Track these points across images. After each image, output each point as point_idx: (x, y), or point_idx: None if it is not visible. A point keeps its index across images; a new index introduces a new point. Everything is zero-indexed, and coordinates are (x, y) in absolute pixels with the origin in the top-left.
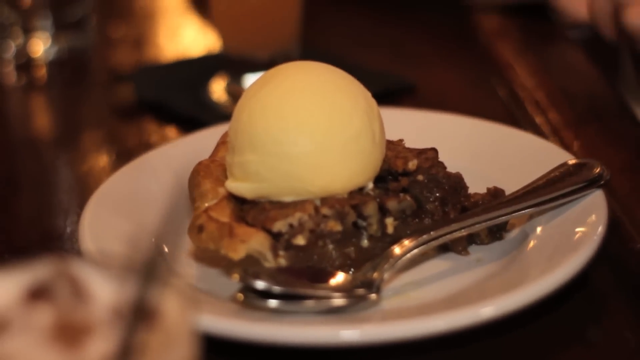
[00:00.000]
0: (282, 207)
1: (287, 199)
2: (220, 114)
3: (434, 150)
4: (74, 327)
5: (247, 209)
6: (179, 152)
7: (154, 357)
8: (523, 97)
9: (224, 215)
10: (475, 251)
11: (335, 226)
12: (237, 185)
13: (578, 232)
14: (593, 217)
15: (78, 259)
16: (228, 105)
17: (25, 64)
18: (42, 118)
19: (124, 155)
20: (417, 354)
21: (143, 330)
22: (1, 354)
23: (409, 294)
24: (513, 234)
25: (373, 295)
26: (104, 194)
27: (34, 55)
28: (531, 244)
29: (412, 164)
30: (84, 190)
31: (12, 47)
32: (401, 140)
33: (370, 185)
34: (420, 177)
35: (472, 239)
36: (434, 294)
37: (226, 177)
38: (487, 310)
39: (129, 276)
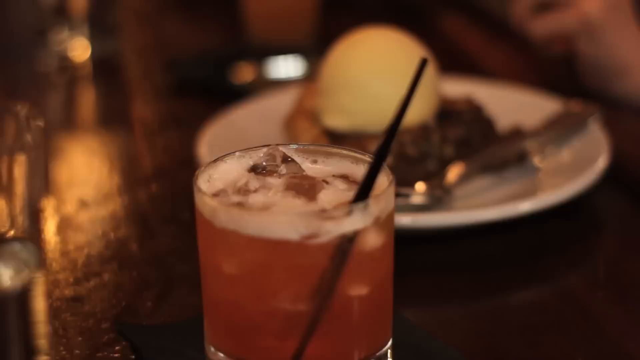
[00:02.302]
0: (374, 137)
1: (371, 130)
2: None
3: (471, 98)
4: (303, 185)
5: (342, 142)
6: (253, 111)
7: (379, 199)
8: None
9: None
10: (508, 171)
11: (412, 150)
12: (335, 120)
13: (588, 155)
14: (598, 144)
15: (287, 147)
16: (255, 86)
17: (65, 66)
18: (89, 113)
19: (185, 132)
20: (483, 236)
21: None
22: (256, 202)
23: (469, 199)
24: (535, 158)
25: (446, 197)
26: (215, 136)
27: (74, 56)
28: (547, 165)
29: (461, 104)
30: (142, 170)
31: (51, 49)
32: (443, 93)
33: (432, 120)
34: (466, 116)
35: (505, 162)
36: (485, 199)
37: (316, 121)
38: (524, 205)
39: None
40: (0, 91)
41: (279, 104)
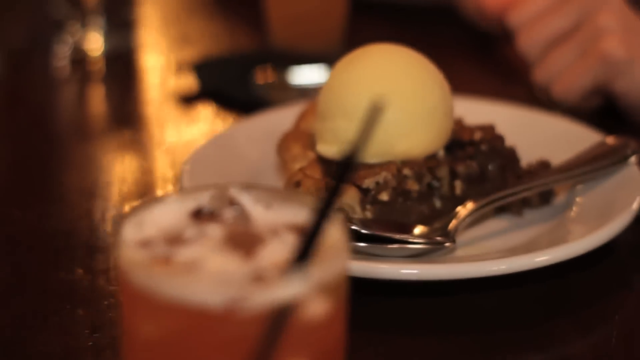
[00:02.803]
0: (370, 167)
1: (373, 160)
2: (269, 103)
3: (492, 126)
4: (245, 238)
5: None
6: (255, 128)
7: (322, 262)
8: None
9: (317, 174)
10: (528, 213)
11: (414, 185)
12: (328, 148)
13: (619, 197)
14: (630, 186)
15: (237, 188)
16: (275, 94)
17: (79, 59)
18: (97, 111)
19: (187, 144)
20: (482, 290)
21: (315, 242)
22: (185, 258)
23: (477, 245)
24: (559, 199)
25: (449, 244)
26: (196, 162)
27: (88, 51)
28: (574, 208)
29: (478, 135)
30: (147, 183)
31: (67, 43)
32: (461, 119)
33: (442, 152)
34: (483, 147)
35: (525, 203)
36: (496, 246)
37: (311, 144)
38: (541, 259)
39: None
40: (12, 85)
41: (279, 122)
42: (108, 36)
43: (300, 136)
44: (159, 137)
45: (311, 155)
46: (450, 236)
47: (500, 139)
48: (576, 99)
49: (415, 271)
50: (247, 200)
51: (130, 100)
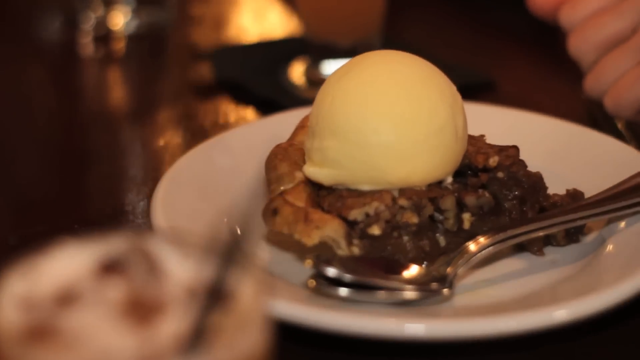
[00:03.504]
0: (359, 196)
1: (365, 187)
2: (297, 99)
3: (515, 148)
4: (146, 304)
5: (323, 195)
6: (256, 134)
7: (226, 340)
8: None
9: (300, 199)
10: (551, 252)
11: (412, 218)
12: (315, 171)
13: None
14: None
15: (154, 235)
16: (306, 90)
17: (104, 36)
18: (117, 91)
19: (199, 134)
20: (487, 353)
21: (217, 312)
22: (69, 328)
23: (482, 291)
24: (590, 237)
25: (446, 290)
26: (178, 171)
27: (113, 27)
28: (608, 248)
29: (493, 161)
30: (157, 167)
31: (92, 19)
32: (482, 136)
33: (450, 179)
34: (500, 174)
35: (548, 240)
36: (507, 293)
37: (304, 162)
38: (560, 313)
39: (206, 256)
40: (32, 62)
41: (279, 130)
42: (135, 14)
43: (292, 151)
44: (167, 127)
45: (299, 176)
46: (447, 281)
47: (521, 164)
48: (631, 113)
49: (387, 328)
50: (163, 251)
51: (146, 86)
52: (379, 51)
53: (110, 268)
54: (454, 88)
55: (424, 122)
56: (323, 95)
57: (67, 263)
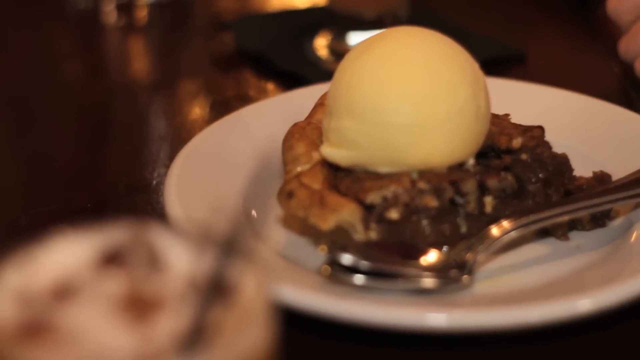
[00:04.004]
0: (377, 178)
1: (383, 169)
2: (322, 71)
3: (540, 129)
4: (146, 299)
5: (341, 177)
6: (275, 110)
7: (228, 337)
8: (638, 75)
9: (317, 181)
10: (576, 237)
11: (431, 202)
12: (332, 152)
13: None
14: None
15: (157, 224)
16: (330, 62)
17: (126, 4)
18: (139, 62)
19: (220, 107)
20: (507, 343)
21: (217, 308)
22: (65, 324)
23: (503, 278)
24: (617, 222)
25: (465, 278)
26: (194, 149)
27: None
28: (635, 235)
29: (517, 142)
30: (176, 141)
31: None
32: (507, 115)
33: (471, 161)
34: (524, 156)
35: (573, 224)
36: (530, 280)
37: (322, 141)
38: (584, 303)
39: (207, 248)
40: (56, 29)
41: (299, 106)
42: None
43: (310, 130)
44: (187, 100)
45: (316, 156)
46: (467, 267)
47: (546, 145)
48: None
49: (405, 318)
50: (168, 243)
51: (168, 56)
52: (399, 27)
53: (110, 259)
54: (476, 66)
55: (444, 102)
56: (341, 73)
57: (65, 254)
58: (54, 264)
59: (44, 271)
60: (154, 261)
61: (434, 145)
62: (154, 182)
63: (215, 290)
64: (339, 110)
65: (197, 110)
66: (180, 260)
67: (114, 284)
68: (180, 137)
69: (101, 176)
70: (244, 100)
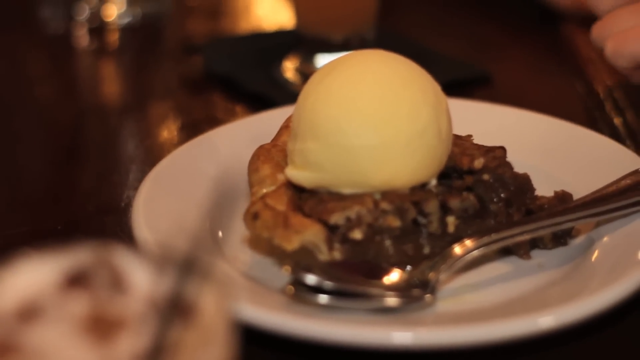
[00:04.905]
0: (341, 199)
1: (347, 191)
2: (290, 93)
3: (502, 149)
4: (108, 320)
5: (305, 198)
6: (243, 132)
7: (188, 356)
8: (602, 95)
9: (281, 203)
10: (538, 256)
11: (394, 222)
12: (296, 174)
13: None
14: None
15: (121, 246)
16: (298, 84)
17: (98, 27)
18: (110, 84)
19: (189, 129)
20: None
21: (178, 327)
22: (30, 344)
23: (466, 296)
24: (578, 240)
25: (428, 297)
26: (162, 171)
27: (107, 19)
28: (596, 252)
29: (478, 163)
30: (145, 163)
31: (86, 10)
32: (470, 136)
33: (434, 181)
34: (485, 177)
35: (535, 243)
36: (492, 298)
37: (287, 163)
38: (545, 320)
39: (168, 268)
40: (28, 53)
41: (266, 128)
42: (129, 5)
43: (275, 153)
44: (158, 122)
45: (281, 178)
46: (429, 286)
47: (508, 165)
48: (627, 64)
49: (366, 336)
50: (130, 265)
51: (138, 79)
52: (362, 51)
53: (74, 281)
54: (438, 88)
55: (406, 125)
56: (305, 96)
57: (30, 276)
58: (19, 286)
59: (9, 293)
60: (117, 282)
61: (397, 166)
62: (123, 203)
63: (174, 310)
64: (303, 132)
65: (167, 133)
66: (142, 281)
67: (78, 305)
68: (149, 159)
69: (72, 198)
70: (213, 122)
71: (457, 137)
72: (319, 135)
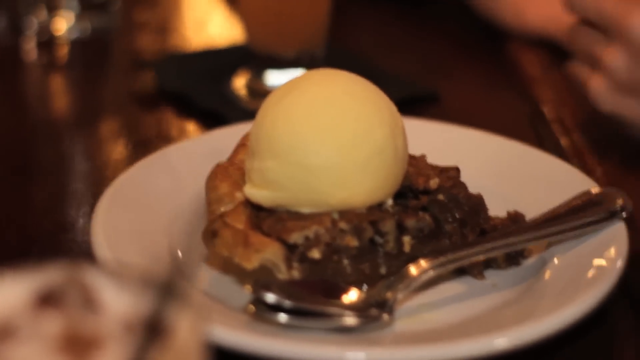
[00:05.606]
0: (299, 219)
1: (305, 210)
2: (240, 110)
3: (456, 170)
4: (83, 339)
5: (263, 217)
6: (197, 150)
7: None
8: (548, 115)
9: (240, 221)
10: (491, 275)
11: (352, 241)
12: (255, 192)
13: (597, 264)
14: (612, 250)
15: (91, 265)
16: (249, 101)
17: (47, 42)
18: (60, 100)
19: (141, 146)
20: None
21: (154, 349)
22: None
23: (422, 316)
24: (530, 260)
25: (385, 316)
26: (118, 189)
27: (56, 33)
28: (548, 272)
29: (434, 183)
30: (99, 180)
31: (34, 24)
32: (423, 156)
33: (390, 201)
34: (440, 197)
35: (488, 263)
36: (448, 317)
37: (244, 182)
38: (500, 341)
39: (143, 289)
40: None
41: (227, 144)
42: (78, 19)
43: (233, 171)
44: (109, 139)
45: (239, 196)
46: (387, 306)
47: (462, 186)
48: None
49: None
50: (102, 284)
51: (89, 94)
52: (319, 70)
53: (46, 300)
54: (394, 108)
55: (363, 145)
56: (263, 115)
57: (1, 296)
58: None
59: None
60: (89, 301)
61: (355, 186)
62: (80, 220)
63: (152, 332)
64: (262, 151)
65: (119, 150)
66: (115, 301)
67: (51, 325)
68: (103, 175)
69: (25, 215)
70: (165, 139)
71: (411, 157)
72: (278, 153)
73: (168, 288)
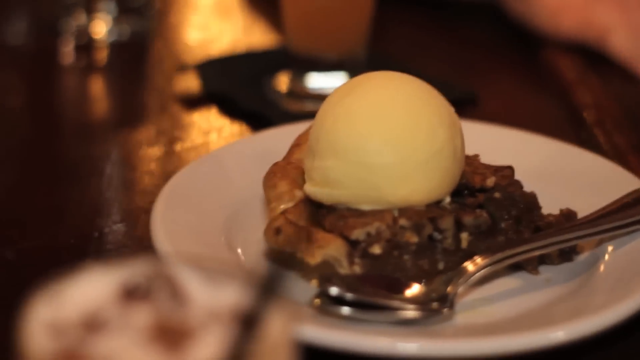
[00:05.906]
0: (361, 216)
1: (365, 207)
2: (282, 112)
3: (510, 169)
4: (174, 329)
5: (324, 214)
6: (247, 150)
7: None
8: (588, 119)
9: (301, 218)
10: (545, 271)
11: (412, 237)
12: (316, 190)
13: None
14: None
15: (175, 260)
16: (290, 103)
17: (85, 44)
18: (100, 102)
19: (187, 147)
20: None
21: (251, 342)
22: (98, 354)
23: (480, 310)
24: (583, 256)
25: (446, 310)
26: (173, 189)
27: (95, 36)
28: (601, 268)
29: (490, 181)
30: (157, 179)
31: (73, 27)
32: (477, 156)
33: (448, 199)
34: (497, 195)
35: (542, 259)
36: (504, 311)
37: (302, 180)
38: (558, 334)
39: (234, 283)
40: (10, 70)
41: (279, 144)
42: (116, 22)
43: (290, 170)
44: (152, 144)
45: (299, 194)
46: (448, 300)
47: (517, 184)
48: None
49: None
50: (186, 277)
51: (130, 97)
52: (379, 73)
53: (133, 294)
54: (451, 109)
55: (425, 144)
56: (324, 115)
57: (90, 289)
58: (80, 299)
59: (71, 306)
60: (176, 295)
61: (415, 184)
62: (141, 216)
63: (249, 325)
64: (323, 150)
65: (165, 150)
66: (200, 294)
67: (141, 316)
68: (158, 174)
69: (77, 214)
70: (211, 140)
71: (466, 157)
72: (339, 153)
73: (268, 285)
